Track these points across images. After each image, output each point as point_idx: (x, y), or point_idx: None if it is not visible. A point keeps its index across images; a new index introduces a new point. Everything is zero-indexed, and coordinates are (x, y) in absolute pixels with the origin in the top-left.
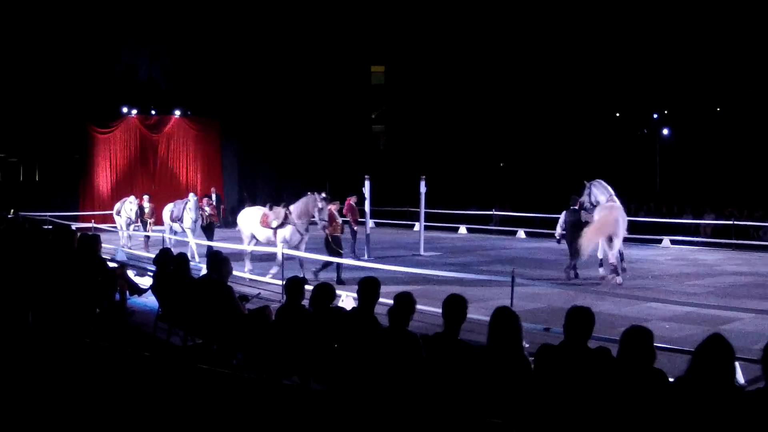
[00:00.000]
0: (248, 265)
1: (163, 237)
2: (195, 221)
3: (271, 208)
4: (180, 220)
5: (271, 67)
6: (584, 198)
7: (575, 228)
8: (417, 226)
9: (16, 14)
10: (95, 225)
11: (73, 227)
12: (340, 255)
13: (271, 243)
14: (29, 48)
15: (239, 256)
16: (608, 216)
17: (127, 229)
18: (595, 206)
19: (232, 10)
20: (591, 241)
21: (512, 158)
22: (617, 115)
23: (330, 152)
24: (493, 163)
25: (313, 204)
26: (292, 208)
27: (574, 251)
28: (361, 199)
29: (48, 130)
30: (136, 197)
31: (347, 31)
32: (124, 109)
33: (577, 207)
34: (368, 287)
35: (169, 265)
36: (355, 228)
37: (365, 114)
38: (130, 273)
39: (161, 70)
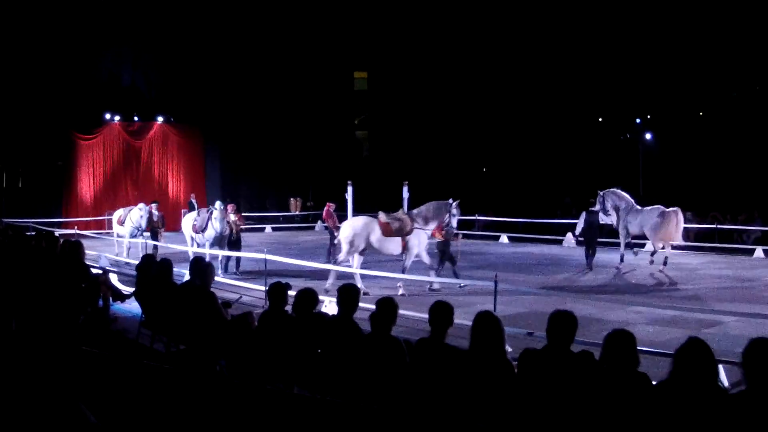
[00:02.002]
0: (360, 284)
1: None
2: (220, 233)
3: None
4: (203, 230)
5: (254, 73)
6: (598, 207)
7: (592, 227)
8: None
9: None
10: (78, 231)
11: (57, 234)
12: (454, 261)
13: (390, 252)
14: (12, 55)
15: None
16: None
17: (133, 237)
18: (609, 213)
19: (214, 17)
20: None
21: (495, 163)
22: (600, 120)
23: (313, 158)
24: (475, 169)
25: (446, 210)
26: (414, 213)
27: (590, 247)
28: (344, 205)
29: (31, 137)
30: (146, 204)
31: (330, 36)
32: (107, 116)
33: (596, 209)
34: (348, 294)
35: (152, 271)
36: (336, 234)
37: (348, 120)
38: (113, 279)
39: (144, 76)
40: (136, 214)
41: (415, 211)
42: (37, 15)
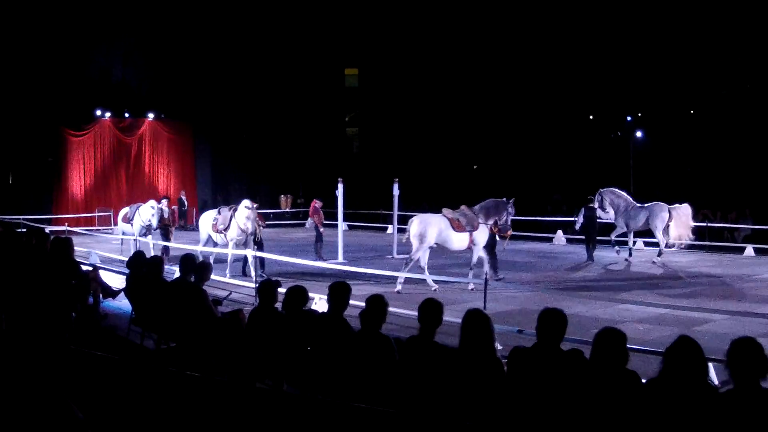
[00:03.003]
0: (430, 281)
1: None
2: (253, 232)
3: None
4: (225, 230)
5: (245, 69)
6: (596, 204)
7: (591, 222)
8: (390, 229)
9: None
10: (69, 228)
11: (47, 230)
12: (495, 256)
13: (458, 247)
14: (1, 51)
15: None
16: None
17: (143, 236)
18: (607, 210)
19: (204, 13)
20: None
21: (486, 161)
22: (591, 117)
23: (303, 155)
24: (466, 166)
25: (504, 207)
26: (477, 209)
27: (590, 241)
28: (334, 202)
29: (21, 133)
30: (157, 200)
31: (321, 33)
32: (98, 112)
33: (595, 206)
34: (339, 292)
35: (142, 267)
36: (321, 230)
37: (339, 116)
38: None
39: (134, 72)
40: (147, 212)
41: (476, 207)
42: (27, 10)
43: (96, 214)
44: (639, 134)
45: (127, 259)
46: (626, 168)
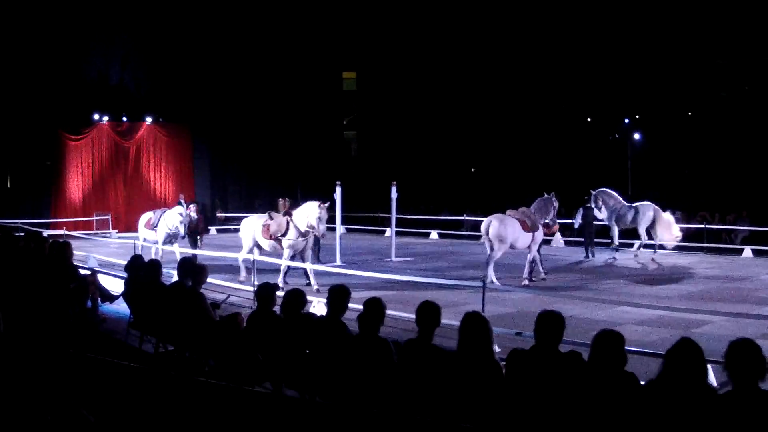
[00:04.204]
0: (492, 275)
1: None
2: (322, 235)
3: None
4: (283, 236)
5: (243, 72)
6: (592, 204)
7: (588, 221)
8: (388, 232)
9: None
10: (67, 232)
11: (45, 234)
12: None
13: (524, 246)
14: None
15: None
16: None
17: (168, 244)
18: (601, 210)
19: (202, 16)
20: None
21: (483, 163)
22: (588, 120)
23: (302, 158)
24: (464, 169)
25: (551, 204)
26: (534, 209)
27: (587, 238)
28: (332, 205)
29: (20, 137)
30: (184, 204)
31: (319, 37)
32: (96, 116)
33: (591, 206)
34: (338, 296)
35: (140, 271)
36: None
37: (337, 120)
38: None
39: (132, 75)
40: (175, 219)
41: (532, 207)
42: (25, 14)
43: (94, 218)
44: (637, 136)
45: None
46: (624, 170)
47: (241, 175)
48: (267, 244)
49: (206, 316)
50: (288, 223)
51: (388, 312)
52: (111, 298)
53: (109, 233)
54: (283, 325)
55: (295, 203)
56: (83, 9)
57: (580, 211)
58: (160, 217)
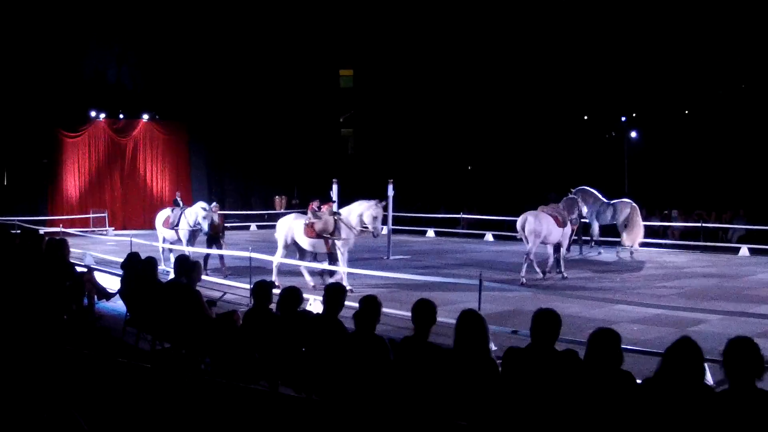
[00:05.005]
0: (538, 269)
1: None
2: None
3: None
4: (329, 235)
5: (240, 70)
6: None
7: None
8: (384, 230)
9: None
10: (63, 229)
11: (41, 232)
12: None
13: (555, 241)
14: None
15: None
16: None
17: (188, 243)
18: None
19: (199, 13)
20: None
21: (480, 161)
22: (585, 118)
23: (298, 156)
24: (461, 167)
25: (576, 203)
26: (563, 206)
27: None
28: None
29: (16, 134)
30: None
31: (316, 34)
32: (92, 113)
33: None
34: (335, 293)
35: (137, 269)
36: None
37: (333, 117)
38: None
39: (129, 73)
40: (198, 213)
41: (561, 205)
42: (21, 11)
43: (91, 216)
44: (633, 134)
45: (129, 261)
46: (621, 168)
47: (238, 173)
48: (308, 243)
49: (203, 314)
50: (336, 222)
51: (385, 310)
52: (107, 295)
53: (106, 230)
54: (280, 323)
55: (291, 201)
56: (80, 6)
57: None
58: (181, 215)
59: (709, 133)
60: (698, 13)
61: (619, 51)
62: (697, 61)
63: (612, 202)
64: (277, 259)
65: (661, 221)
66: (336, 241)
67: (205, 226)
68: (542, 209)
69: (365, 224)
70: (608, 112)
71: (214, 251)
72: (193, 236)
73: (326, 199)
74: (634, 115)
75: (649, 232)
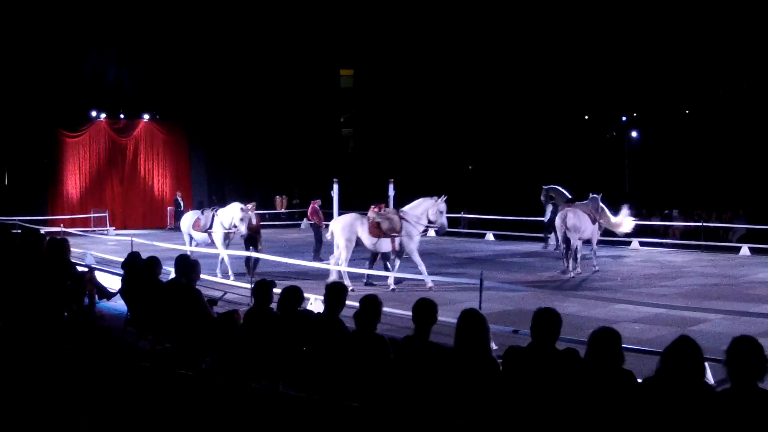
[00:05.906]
0: (572, 265)
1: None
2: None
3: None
4: (395, 233)
5: (240, 70)
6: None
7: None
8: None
9: None
10: (64, 229)
11: (42, 231)
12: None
13: (590, 237)
14: None
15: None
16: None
17: (224, 246)
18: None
19: (199, 14)
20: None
21: (481, 161)
22: (586, 117)
23: (299, 156)
24: (461, 166)
25: (598, 202)
26: (590, 204)
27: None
28: (329, 203)
29: (17, 134)
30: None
31: (316, 34)
32: (93, 113)
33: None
34: (335, 292)
35: (138, 269)
36: (323, 231)
37: (334, 117)
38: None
39: (129, 73)
40: (236, 214)
41: (587, 201)
42: (22, 12)
43: (91, 215)
44: (634, 134)
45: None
46: (621, 168)
47: (238, 173)
48: (370, 242)
49: (203, 314)
50: (401, 220)
51: (385, 309)
52: (108, 295)
53: (106, 230)
54: (280, 323)
55: (292, 201)
56: (80, 7)
57: (550, 207)
58: (213, 216)
59: (709, 133)
60: (698, 13)
61: (619, 51)
62: (697, 61)
63: (583, 202)
64: (344, 264)
65: (662, 221)
66: (403, 238)
67: (243, 229)
68: (576, 206)
69: (431, 220)
70: (608, 112)
71: (252, 254)
72: (226, 238)
73: (379, 201)
74: (634, 115)
75: (650, 231)
